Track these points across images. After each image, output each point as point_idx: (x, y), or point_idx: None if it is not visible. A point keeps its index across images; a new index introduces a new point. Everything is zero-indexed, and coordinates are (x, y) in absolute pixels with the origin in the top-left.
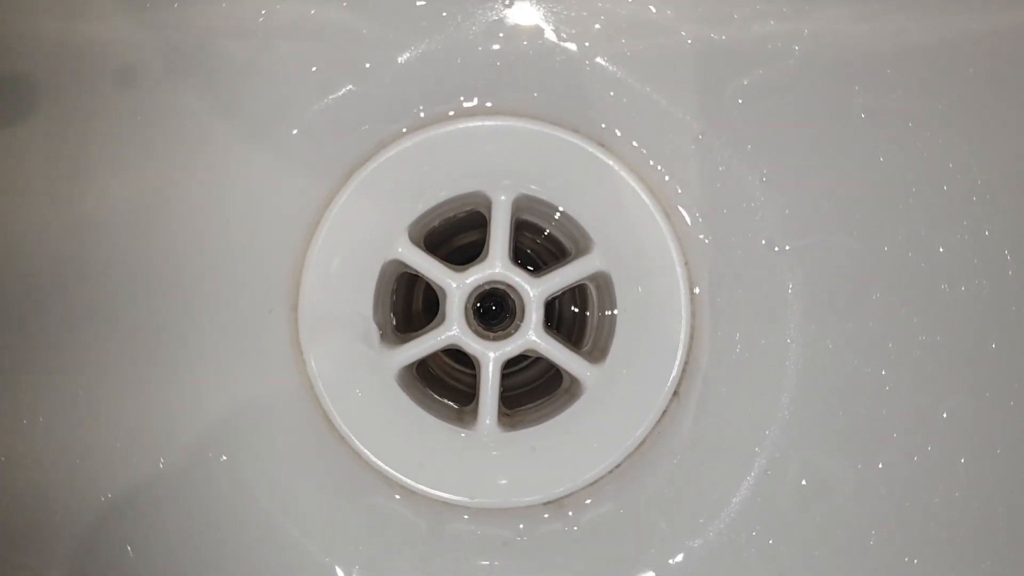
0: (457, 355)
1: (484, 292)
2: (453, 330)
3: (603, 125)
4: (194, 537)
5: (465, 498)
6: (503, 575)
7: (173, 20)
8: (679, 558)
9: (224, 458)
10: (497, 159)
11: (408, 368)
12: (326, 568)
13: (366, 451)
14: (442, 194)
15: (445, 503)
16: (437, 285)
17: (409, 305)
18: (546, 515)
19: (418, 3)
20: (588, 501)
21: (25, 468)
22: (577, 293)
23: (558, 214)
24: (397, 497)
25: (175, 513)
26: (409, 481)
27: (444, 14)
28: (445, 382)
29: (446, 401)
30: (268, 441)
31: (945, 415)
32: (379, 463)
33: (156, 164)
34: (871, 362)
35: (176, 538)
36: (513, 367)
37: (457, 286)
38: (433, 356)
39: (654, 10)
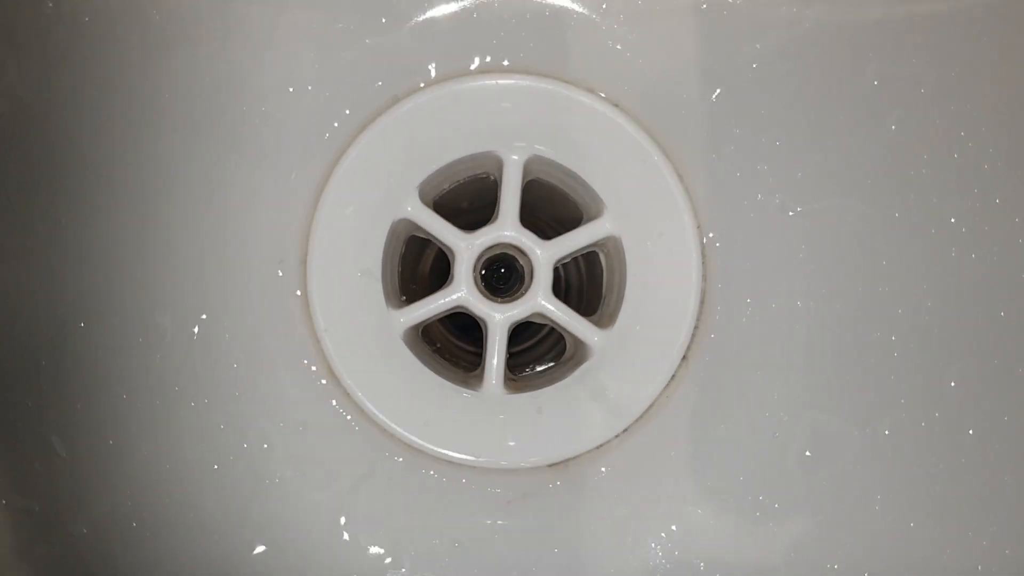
0: (462, 331)
1: (494, 257)
2: (461, 291)
3: (618, 85)
4: (192, 488)
5: (470, 457)
6: (506, 534)
7: None
8: (686, 522)
9: (228, 410)
10: (510, 118)
11: (414, 330)
12: (327, 521)
13: (371, 407)
14: (454, 153)
15: (449, 462)
16: (446, 246)
17: (416, 269)
18: (551, 477)
19: None
20: (594, 464)
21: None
22: (584, 264)
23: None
24: (400, 455)
25: (177, 464)
26: (413, 438)
27: None
28: (449, 359)
29: (454, 366)
30: (272, 395)
31: (953, 383)
32: (384, 419)
33: (166, 119)
34: (880, 327)
35: (176, 488)
36: (521, 344)
37: (467, 247)
38: (438, 330)
39: None
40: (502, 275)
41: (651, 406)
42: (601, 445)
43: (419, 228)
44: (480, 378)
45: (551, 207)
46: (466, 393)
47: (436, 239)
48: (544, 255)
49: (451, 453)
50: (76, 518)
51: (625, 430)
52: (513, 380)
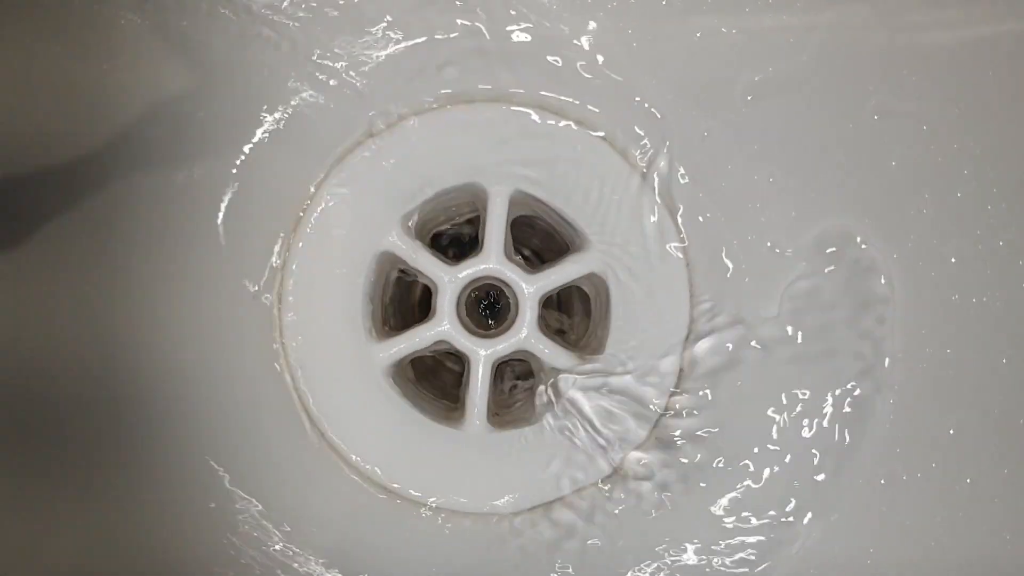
0: (455, 355)
1: (481, 288)
2: (444, 326)
3: (607, 118)
4: (167, 523)
5: (451, 500)
6: None
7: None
8: (675, 572)
9: (198, 447)
10: (495, 149)
11: (398, 362)
12: (301, 563)
13: (346, 447)
14: (437, 184)
15: (429, 505)
16: (428, 279)
17: (405, 300)
18: (533, 520)
19: None
20: (578, 508)
21: None
22: (578, 296)
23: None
24: (379, 498)
25: (148, 495)
26: (391, 479)
27: None
28: (441, 380)
29: (437, 398)
30: (245, 432)
31: (952, 431)
32: (360, 460)
33: (144, 149)
34: (876, 373)
35: (150, 521)
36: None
37: (449, 280)
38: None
39: (663, 0)
40: (487, 307)
41: (636, 448)
42: (586, 488)
43: (402, 261)
44: (464, 411)
45: (537, 235)
46: (448, 431)
47: (419, 272)
48: (530, 290)
49: (431, 496)
50: None
51: (611, 472)
52: (497, 415)
